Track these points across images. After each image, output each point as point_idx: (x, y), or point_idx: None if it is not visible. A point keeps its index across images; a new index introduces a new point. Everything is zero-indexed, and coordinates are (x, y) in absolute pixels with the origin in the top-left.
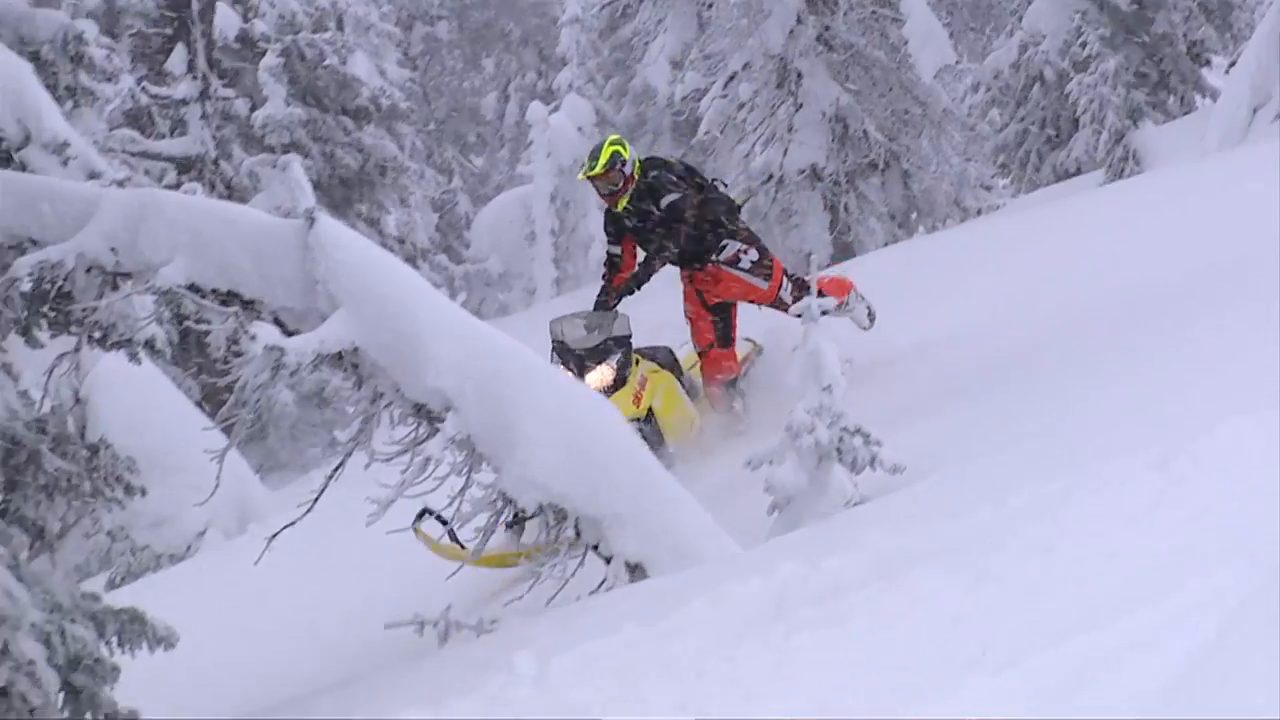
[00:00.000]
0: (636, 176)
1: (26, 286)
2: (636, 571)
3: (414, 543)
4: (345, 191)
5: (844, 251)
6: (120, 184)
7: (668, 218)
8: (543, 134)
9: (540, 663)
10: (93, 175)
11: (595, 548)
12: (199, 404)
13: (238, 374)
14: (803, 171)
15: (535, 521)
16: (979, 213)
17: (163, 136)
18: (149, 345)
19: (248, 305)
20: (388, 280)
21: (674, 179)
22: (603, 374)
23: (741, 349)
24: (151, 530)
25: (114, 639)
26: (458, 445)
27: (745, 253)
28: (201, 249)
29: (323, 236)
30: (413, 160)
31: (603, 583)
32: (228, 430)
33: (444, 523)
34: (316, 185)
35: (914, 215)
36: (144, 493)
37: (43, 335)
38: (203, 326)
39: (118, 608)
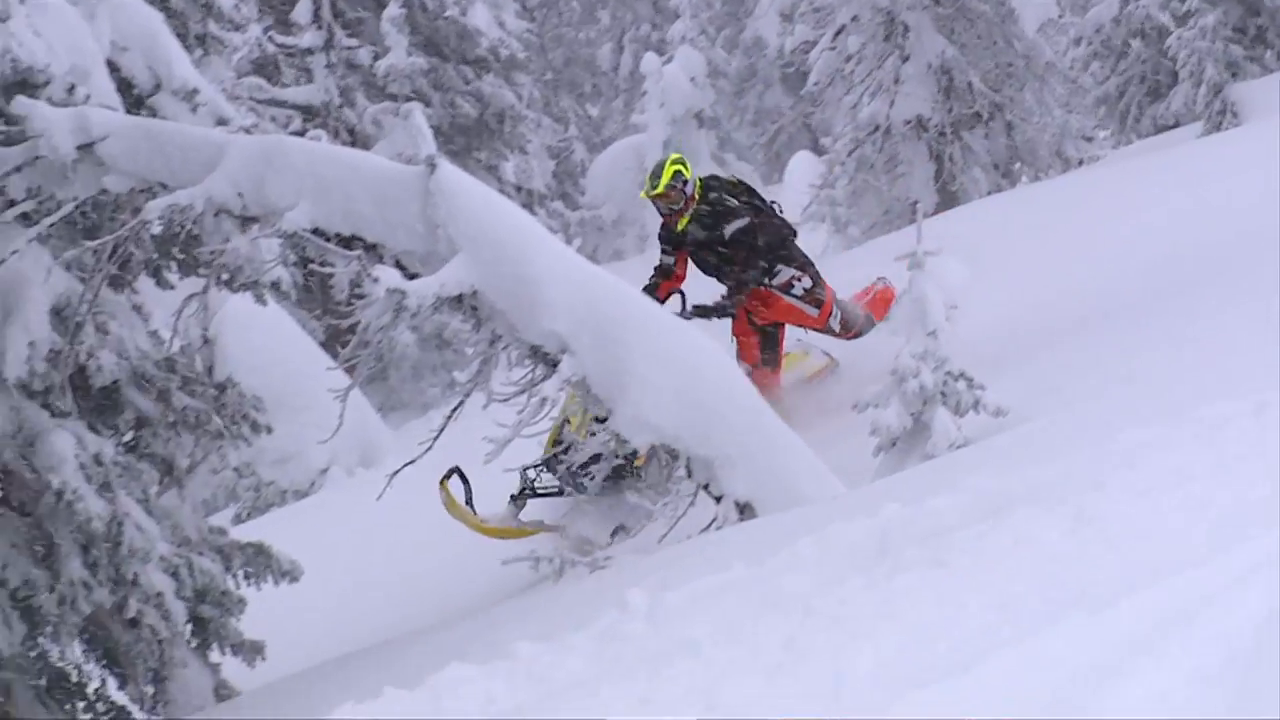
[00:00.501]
0: (697, 197)
1: (157, 229)
2: (745, 511)
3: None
4: (465, 139)
5: (948, 200)
6: (247, 130)
7: (731, 243)
8: (656, 84)
9: (652, 599)
10: (221, 122)
11: (706, 487)
12: (322, 345)
13: (360, 316)
14: (909, 122)
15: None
16: (1080, 163)
17: (288, 84)
18: (275, 287)
19: (370, 249)
20: (506, 225)
21: (735, 203)
22: None
23: (818, 361)
24: (276, 467)
25: (240, 572)
26: (573, 387)
27: (799, 279)
28: (326, 194)
29: (443, 182)
30: (530, 109)
31: (713, 522)
32: (350, 370)
33: (466, 484)
34: (437, 133)
35: (1017, 165)
36: (269, 430)
37: (172, 277)
38: (326, 269)
39: (244, 542)
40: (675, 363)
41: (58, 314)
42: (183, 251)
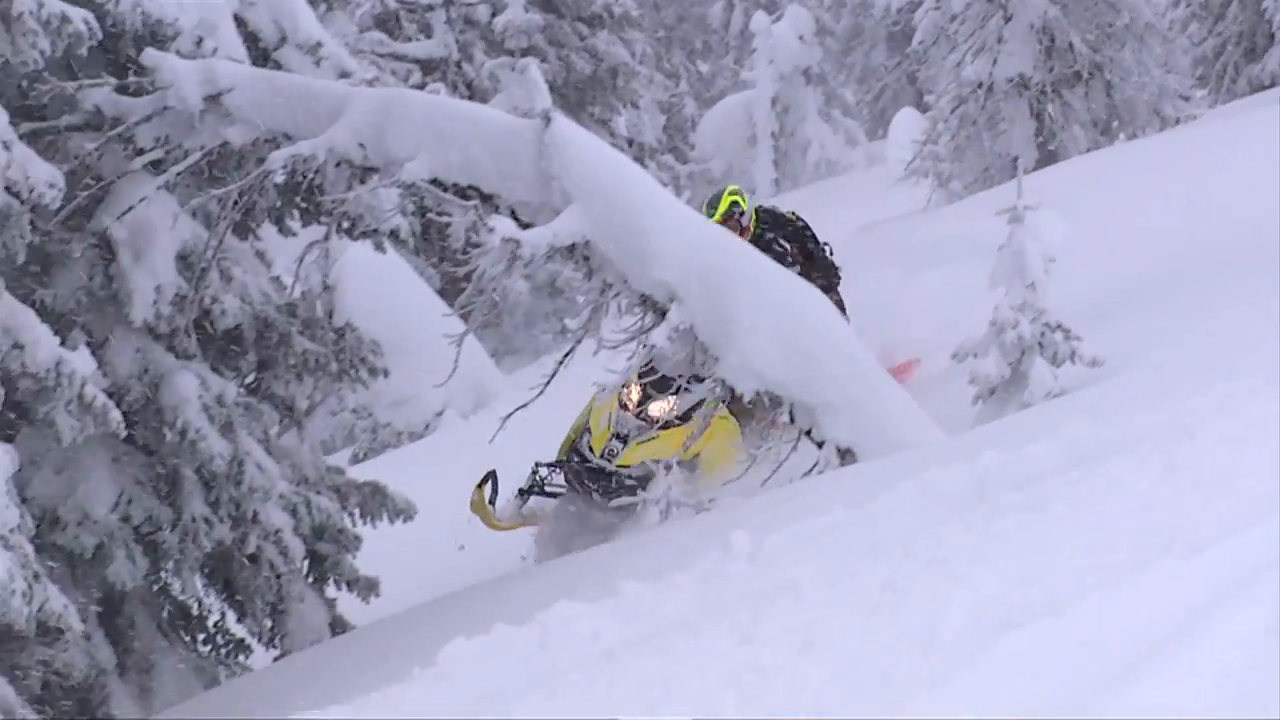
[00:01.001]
0: (752, 229)
1: (280, 179)
2: (846, 456)
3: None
4: (579, 94)
5: (1048, 157)
6: (369, 84)
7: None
8: (765, 42)
9: (754, 541)
10: (343, 75)
11: (808, 433)
12: (439, 292)
13: (476, 264)
14: (1010, 80)
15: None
16: (1177, 122)
17: (409, 39)
18: (393, 235)
19: (486, 199)
20: (618, 178)
21: (786, 244)
22: (665, 407)
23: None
24: (393, 409)
25: (356, 510)
26: (680, 335)
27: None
28: (444, 145)
29: (558, 136)
30: (642, 65)
31: (814, 466)
32: (465, 317)
33: (495, 488)
34: (552, 88)
35: (1115, 124)
36: (386, 374)
37: (294, 224)
38: (443, 218)
39: (360, 481)
40: (781, 312)
41: (184, 259)
42: (305, 200)
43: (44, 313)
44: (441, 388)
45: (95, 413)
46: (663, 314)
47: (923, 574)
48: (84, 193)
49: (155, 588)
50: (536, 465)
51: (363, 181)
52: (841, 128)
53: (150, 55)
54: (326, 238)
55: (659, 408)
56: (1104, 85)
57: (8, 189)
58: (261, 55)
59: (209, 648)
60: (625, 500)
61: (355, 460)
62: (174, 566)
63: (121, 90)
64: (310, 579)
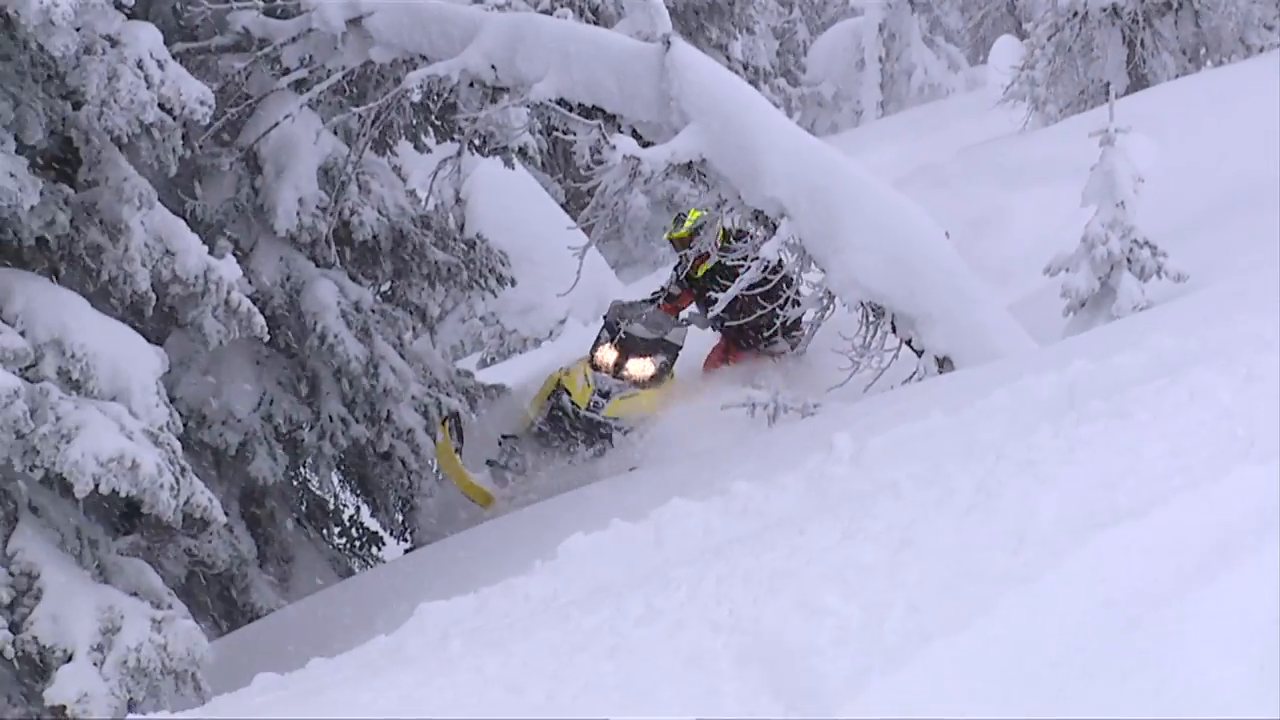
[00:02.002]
0: (719, 246)
1: (416, 98)
2: (944, 364)
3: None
4: (697, 19)
5: (1138, 83)
6: (501, 8)
7: (745, 304)
8: None
9: (857, 443)
10: (476, 0)
11: (908, 342)
12: (563, 206)
13: (598, 180)
14: (1104, 10)
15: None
16: (1261, 50)
17: None
18: (521, 152)
19: (609, 119)
20: (733, 99)
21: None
22: (644, 366)
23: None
24: (519, 316)
25: (484, 411)
26: (789, 248)
27: (790, 348)
28: (571, 67)
29: (677, 59)
30: None
31: (914, 374)
32: (588, 230)
33: (459, 435)
34: (672, 13)
35: (1202, 51)
36: (513, 283)
37: (429, 141)
38: (569, 137)
39: (488, 384)
40: (884, 228)
41: (325, 173)
42: (439, 118)
43: (193, 223)
44: (565, 297)
45: (240, 318)
46: (774, 229)
47: (1015, 476)
48: (232, 110)
49: (294, 483)
50: (503, 438)
51: (493, 101)
52: (944, 53)
53: None
54: (459, 154)
55: (639, 367)
56: (1192, 14)
57: (161, 105)
58: None
59: (344, 540)
60: (601, 446)
61: (483, 364)
62: (312, 463)
63: (269, 13)
64: (439, 476)
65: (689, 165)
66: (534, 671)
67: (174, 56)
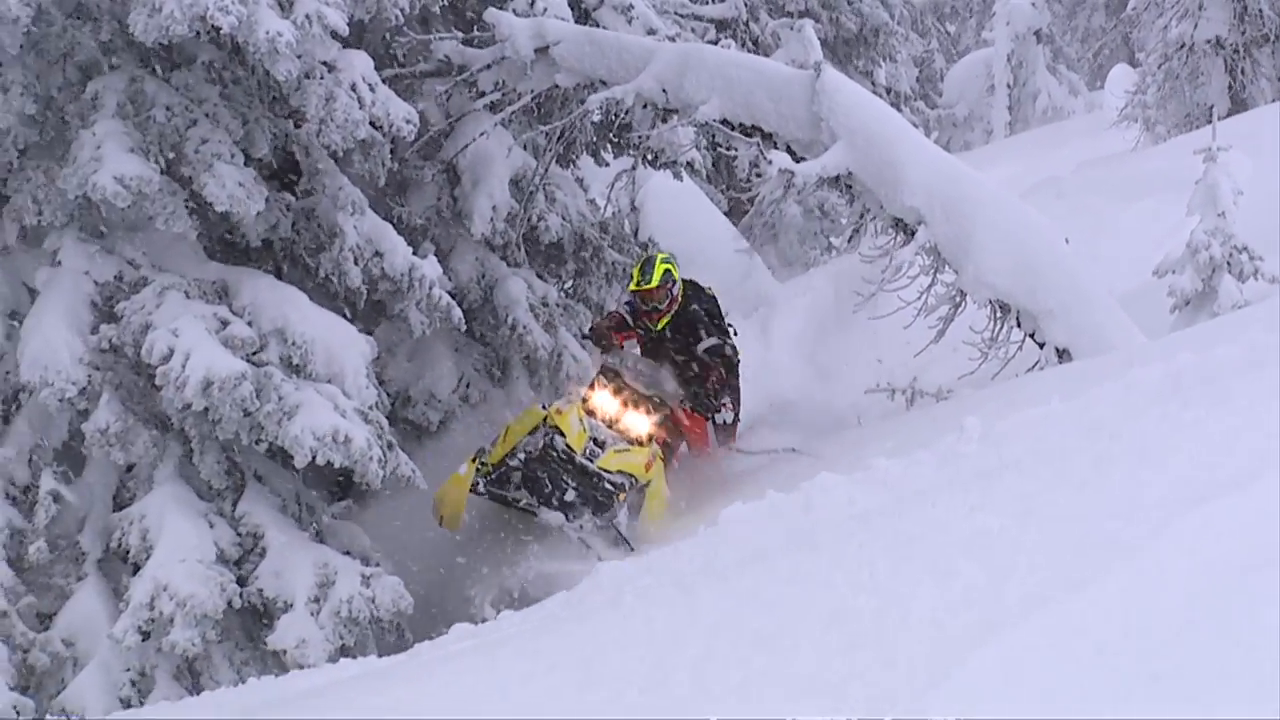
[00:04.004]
0: (679, 300)
1: (596, 118)
2: (1063, 355)
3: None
4: (846, 49)
5: (1239, 106)
6: (671, 39)
7: (697, 358)
8: (1004, 6)
9: (985, 425)
10: (650, 31)
11: (1031, 335)
12: (726, 213)
13: (757, 191)
14: (1209, 41)
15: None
16: None
17: (706, 1)
18: (689, 166)
19: (766, 136)
20: (877, 120)
21: (709, 321)
22: (642, 422)
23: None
24: None
25: None
26: (926, 252)
27: (729, 413)
28: (732, 91)
29: (827, 84)
30: (900, 25)
31: (1036, 363)
32: (748, 233)
33: (482, 471)
34: (824, 44)
35: None
36: None
37: (607, 156)
38: (731, 152)
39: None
40: (1010, 234)
41: (515, 184)
42: (616, 136)
43: (400, 227)
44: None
45: (440, 310)
46: (911, 234)
47: (1125, 455)
48: (434, 128)
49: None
50: (475, 457)
51: (664, 121)
52: (1065, 80)
53: (492, 13)
54: (633, 167)
55: (637, 422)
56: None
57: (372, 124)
58: (583, 14)
59: None
60: (591, 503)
61: None
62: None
63: (467, 42)
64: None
65: (837, 178)
66: (695, 625)
67: (383, 81)
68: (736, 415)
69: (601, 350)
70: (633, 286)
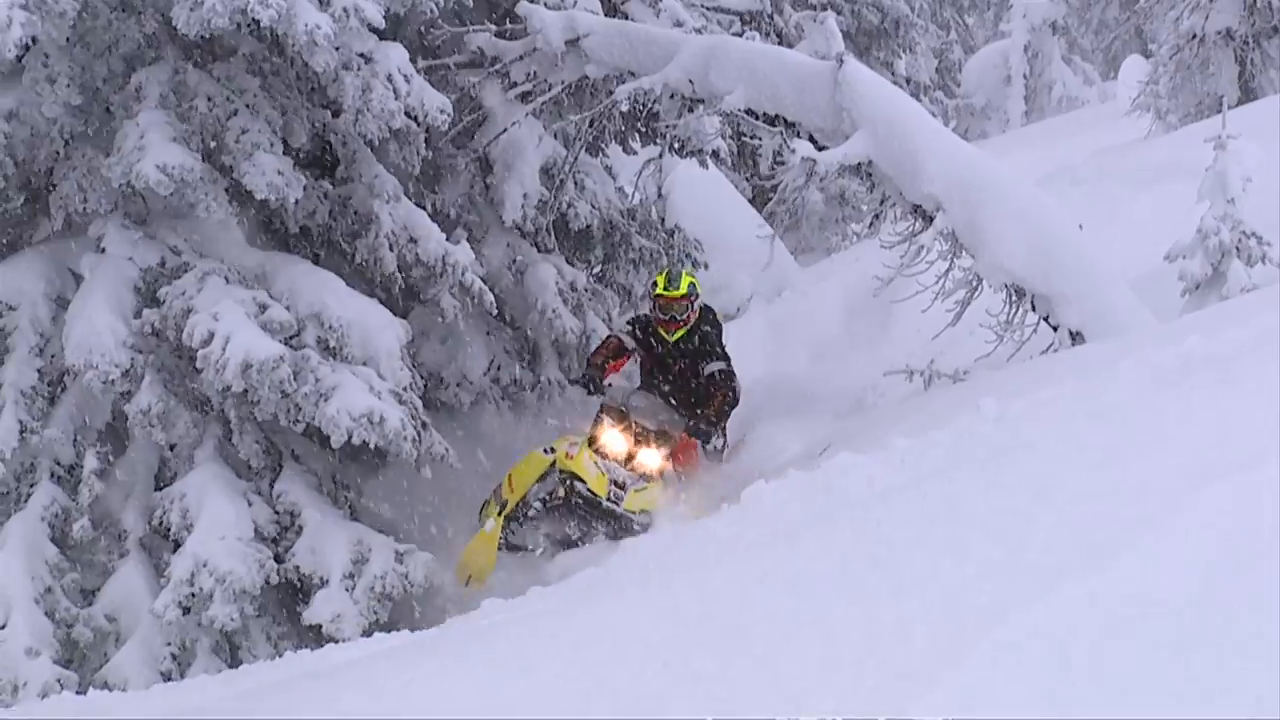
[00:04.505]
0: (696, 315)
1: (625, 108)
2: (1077, 338)
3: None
4: (867, 40)
5: (1248, 96)
6: (698, 31)
7: (705, 379)
8: (1020, 0)
9: (1000, 406)
10: (677, 24)
11: (1046, 319)
12: (750, 201)
13: (780, 178)
14: (1219, 33)
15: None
16: None
17: None
18: (714, 154)
19: (790, 126)
20: (896, 109)
21: (718, 345)
22: (654, 458)
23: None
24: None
25: None
26: (943, 237)
27: (723, 445)
28: (757, 82)
29: (849, 74)
30: (919, 18)
31: (1050, 346)
32: (771, 220)
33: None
34: (846, 36)
35: None
36: (707, 266)
37: (635, 145)
38: (755, 141)
39: None
40: (1026, 220)
41: (546, 172)
42: (644, 125)
43: (434, 214)
44: (752, 277)
45: (473, 295)
46: (930, 220)
47: (1137, 435)
48: (467, 117)
49: (519, 435)
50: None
51: (690, 110)
52: (1080, 70)
53: (524, 6)
54: (660, 155)
55: (650, 459)
56: None
57: (407, 114)
58: (612, 7)
59: None
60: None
61: None
62: (532, 419)
63: (499, 35)
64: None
65: (858, 166)
66: (721, 599)
67: (418, 72)
68: (726, 441)
69: (589, 392)
70: (659, 291)
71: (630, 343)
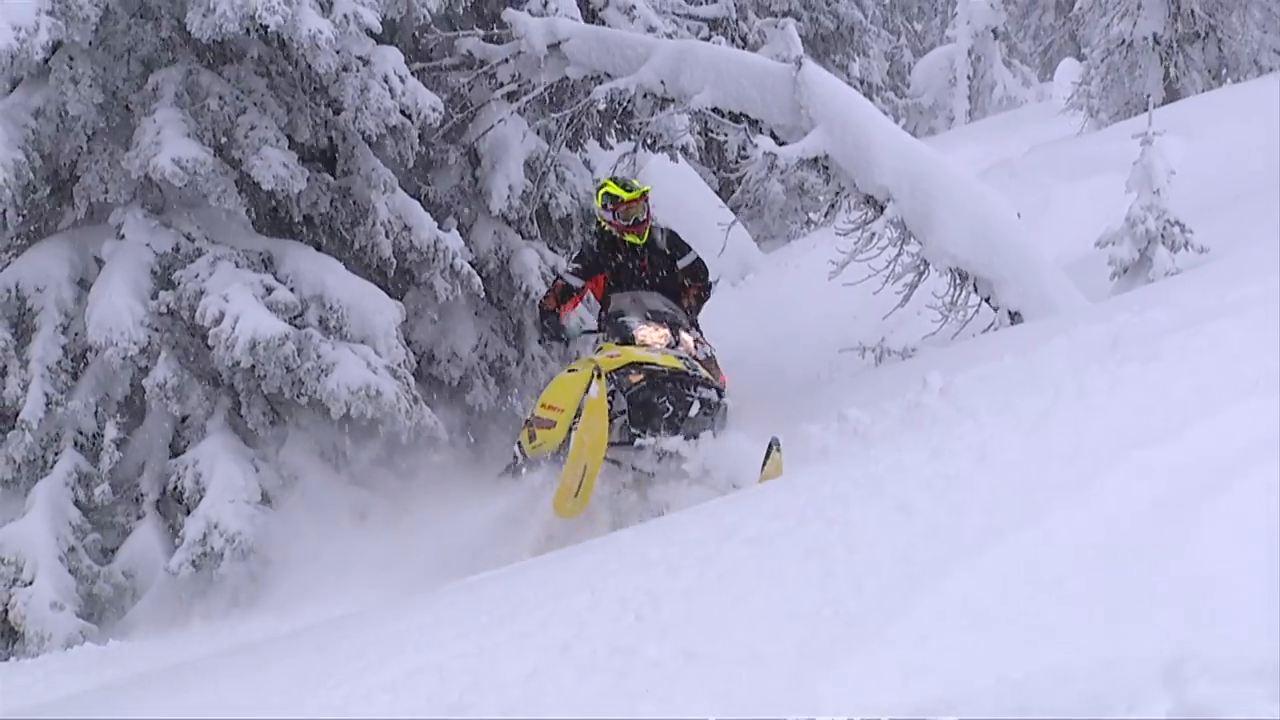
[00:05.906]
0: (651, 216)
1: (602, 106)
2: (1015, 318)
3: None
4: (824, 45)
5: (1173, 96)
6: (669, 36)
7: (675, 275)
8: (965, 6)
9: (946, 379)
10: (650, 29)
11: (987, 300)
12: (717, 192)
13: (744, 171)
14: (1145, 38)
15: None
16: (1271, 70)
17: (699, 3)
18: (684, 149)
19: (753, 123)
20: (851, 108)
21: (680, 237)
22: (691, 339)
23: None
24: None
25: None
26: (894, 225)
27: (701, 345)
28: (723, 83)
29: (807, 76)
30: (872, 24)
31: (991, 324)
32: (736, 209)
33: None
34: (804, 40)
35: (1224, 71)
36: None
37: (611, 140)
38: (721, 137)
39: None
40: (968, 209)
41: (529, 165)
42: (619, 122)
43: (426, 204)
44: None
45: (462, 278)
46: (881, 210)
47: (1070, 405)
48: (457, 115)
49: (503, 408)
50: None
51: (662, 109)
52: (1019, 72)
53: (509, 13)
54: (634, 150)
55: (691, 339)
56: (1216, 42)
57: (402, 112)
58: (590, 13)
59: None
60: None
61: None
62: (517, 392)
63: (487, 39)
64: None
65: (815, 160)
66: (688, 556)
67: (412, 73)
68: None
69: (554, 338)
70: (617, 196)
71: (577, 281)
